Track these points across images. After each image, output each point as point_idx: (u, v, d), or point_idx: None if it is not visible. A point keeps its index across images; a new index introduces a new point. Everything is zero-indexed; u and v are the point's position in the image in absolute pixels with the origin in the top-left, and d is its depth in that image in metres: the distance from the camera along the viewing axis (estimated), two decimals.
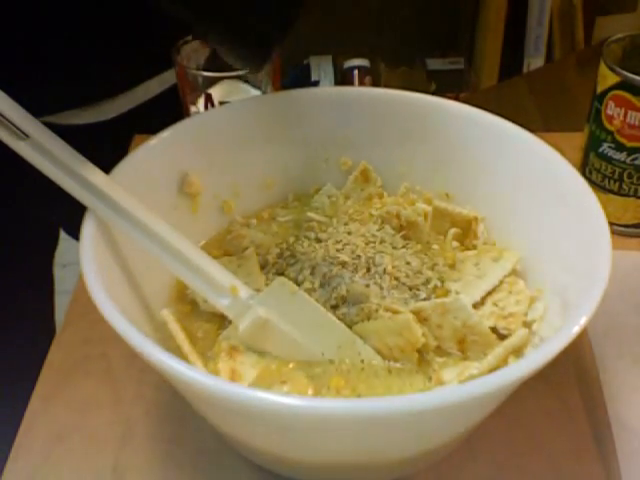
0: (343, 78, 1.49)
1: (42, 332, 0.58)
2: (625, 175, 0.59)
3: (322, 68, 1.53)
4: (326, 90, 0.54)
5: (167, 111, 0.54)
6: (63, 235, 0.79)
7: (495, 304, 0.44)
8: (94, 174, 0.40)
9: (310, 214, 0.51)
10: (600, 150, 0.60)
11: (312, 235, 0.48)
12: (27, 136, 0.38)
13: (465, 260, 0.47)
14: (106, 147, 0.48)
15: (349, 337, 0.41)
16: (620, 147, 0.58)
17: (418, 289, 0.44)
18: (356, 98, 0.52)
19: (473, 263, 0.47)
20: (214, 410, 0.38)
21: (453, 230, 0.49)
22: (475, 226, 0.49)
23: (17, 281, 0.71)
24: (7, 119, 0.37)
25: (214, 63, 0.57)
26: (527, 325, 0.43)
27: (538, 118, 0.70)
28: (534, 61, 1.57)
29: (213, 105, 0.58)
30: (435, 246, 0.48)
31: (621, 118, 0.57)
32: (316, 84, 1.44)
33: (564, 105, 0.92)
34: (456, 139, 0.50)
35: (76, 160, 0.39)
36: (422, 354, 0.42)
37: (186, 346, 0.40)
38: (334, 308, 0.43)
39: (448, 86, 1.51)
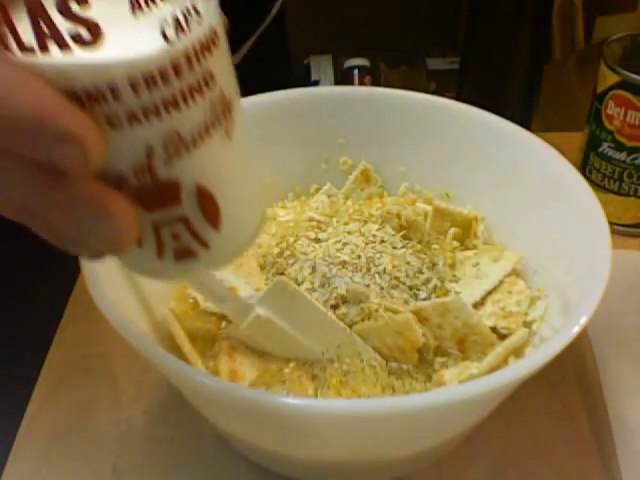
0: (343, 78, 1.49)
1: (43, 332, 0.58)
2: (625, 175, 0.59)
3: (322, 68, 1.53)
4: (326, 90, 0.54)
5: None
6: None
7: (495, 304, 0.44)
8: None
9: (310, 214, 0.51)
10: (600, 150, 0.60)
11: (312, 235, 0.48)
12: None
13: (465, 260, 0.47)
14: None
15: (349, 337, 0.41)
16: (620, 147, 0.58)
17: (418, 289, 0.44)
18: (356, 98, 0.52)
19: (473, 263, 0.47)
20: (214, 410, 0.38)
21: (453, 230, 0.49)
22: (475, 226, 0.49)
23: (26, 282, 0.71)
24: None
25: None
26: (527, 325, 0.43)
27: (538, 118, 0.70)
28: None
29: None
30: (435, 246, 0.48)
31: (621, 118, 0.57)
32: (316, 84, 1.44)
33: (564, 105, 0.92)
34: (456, 139, 0.50)
35: None
36: (422, 354, 0.42)
37: (186, 346, 0.40)
38: (334, 308, 0.43)
39: (448, 86, 1.51)
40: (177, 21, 0.24)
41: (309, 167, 0.54)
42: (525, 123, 0.49)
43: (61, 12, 0.23)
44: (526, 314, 0.43)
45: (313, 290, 0.43)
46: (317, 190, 0.54)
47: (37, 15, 0.23)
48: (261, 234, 0.49)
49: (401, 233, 0.48)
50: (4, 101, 0.22)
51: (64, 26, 0.23)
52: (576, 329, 0.33)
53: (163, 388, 0.48)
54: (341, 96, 0.52)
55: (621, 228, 0.61)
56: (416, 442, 0.37)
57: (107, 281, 0.36)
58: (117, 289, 0.38)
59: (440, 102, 0.50)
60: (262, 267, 0.47)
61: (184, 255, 0.29)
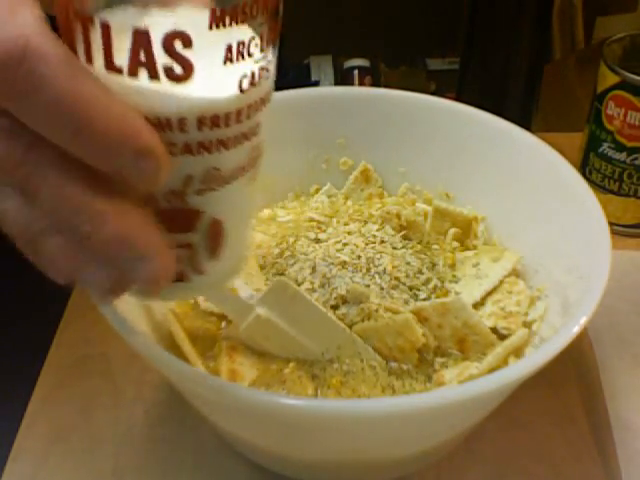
0: (343, 78, 1.48)
1: (43, 332, 0.58)
2: (625, 175, 0.59)
3: (322, 68, 1.53)
4: (326, 90, 0.54)
5: None
6: None
7: (495, 304, 0.44)
8: None
9: (310, 214, 0.51)
10: (600, 150, 0.60)
11: (312, 235, 0.48)
12: None
13: (465, 260, 0.47)
14: None
15: (349, 337, 0.41)
16: (620, 147, 0.58)
17: (418, 289, 0.44)
18: (356, 98, 0.52)
19: (473, 263, 0.47)
20: (214, 410, 0.38)
21: (453, 230, 0.49)
22: (475, 226, 0.49)
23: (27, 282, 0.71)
24: None
25: None
26: (527, 325, 0.43)
27: (538, 118, 0.70)
28: None
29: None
30: (435, 246, 0.48)
31: (621, 118, 0.57)
32: (316, 84, 1.44)
33: (564, 105, 0.92)
34: (456, 139, 0.50)
35: None
36: (422, 354, 0.42)
37: (186, 346, 0.40)
38: (334, 308, 0.43)
39: (448, 86, 1.51)
40: (253, 76, 0.27)
41: (309, 167, 0.54)
42: (525, 123, 0.49)
43: (165, 48, 0.24)
44: (526, 314, 0.43)
45: (313, 290, 0.43)
46: (317, 190, 0.54)
47: (140, 45, 0.23)
48: (261, 235, 0.50)
49: (401, 233, 0.48)
50: (91, 116, 0.23)
51: (161, 59, 0.24)
52: (576, 329, 0.33)
53: (163, 388, 0.48)
54: (341, 96, 0.52)
55: (621, 228, 0.61)
56: (416, 442, 0.37)
57: None
58: None
59: (440, 103, 0.50)
60: (262, 267, 0.47)
61: (177, 278, 0.29)
